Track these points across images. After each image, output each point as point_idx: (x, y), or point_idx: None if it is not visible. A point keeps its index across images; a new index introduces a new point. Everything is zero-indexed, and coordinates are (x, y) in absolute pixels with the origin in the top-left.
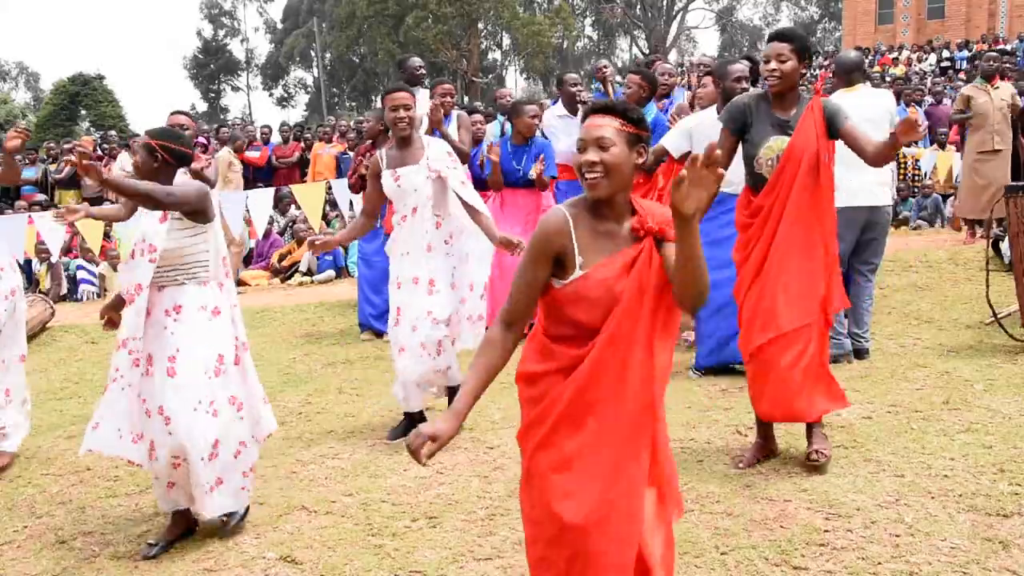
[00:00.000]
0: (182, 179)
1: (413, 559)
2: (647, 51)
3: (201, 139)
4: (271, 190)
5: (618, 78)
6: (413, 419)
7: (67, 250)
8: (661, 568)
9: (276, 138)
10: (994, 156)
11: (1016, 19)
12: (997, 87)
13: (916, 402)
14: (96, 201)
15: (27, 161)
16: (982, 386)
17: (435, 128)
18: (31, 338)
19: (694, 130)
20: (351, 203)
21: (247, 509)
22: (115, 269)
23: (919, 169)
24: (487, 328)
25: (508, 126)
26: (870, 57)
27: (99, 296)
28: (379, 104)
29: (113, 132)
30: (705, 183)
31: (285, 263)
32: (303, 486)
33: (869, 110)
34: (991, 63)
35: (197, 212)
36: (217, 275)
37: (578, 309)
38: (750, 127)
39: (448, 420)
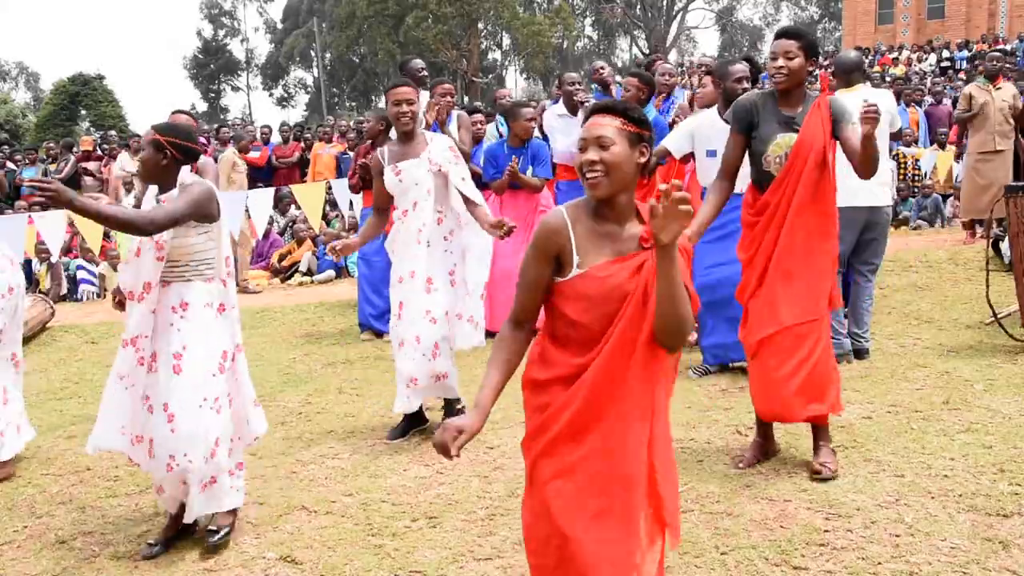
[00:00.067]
0: (190, 178)
1: (413, 559)
2: (647, 51)
3: (201, 139)
4: (271, 190)
5: (618, 78)
6: (412, 419)
7: (67, 250)
8: None
9: (276, 138)
10: (995, 156)
11: (1016, 19)
12: (999, 87)
13: (916, 402)
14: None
15: (27, 161)
16: (982, 386)
17: (439, 126)
18: (31, 338)
19: (696, 131)
20: (351, 203)
21: (232, 525)
22: (115, 269)
23: (919, 169)
24: (486, 331)
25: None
26: (870, 57)
27: (99, 296)
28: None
29: (113, 132)
30: (678, 215)
31: (285, 263)
32: (303, 486)
33: None
34: (994, 63)
35: (203, 214)
36: (221, 272)
37: (576, 308)
38: (757, 126)
39: (473, 414)
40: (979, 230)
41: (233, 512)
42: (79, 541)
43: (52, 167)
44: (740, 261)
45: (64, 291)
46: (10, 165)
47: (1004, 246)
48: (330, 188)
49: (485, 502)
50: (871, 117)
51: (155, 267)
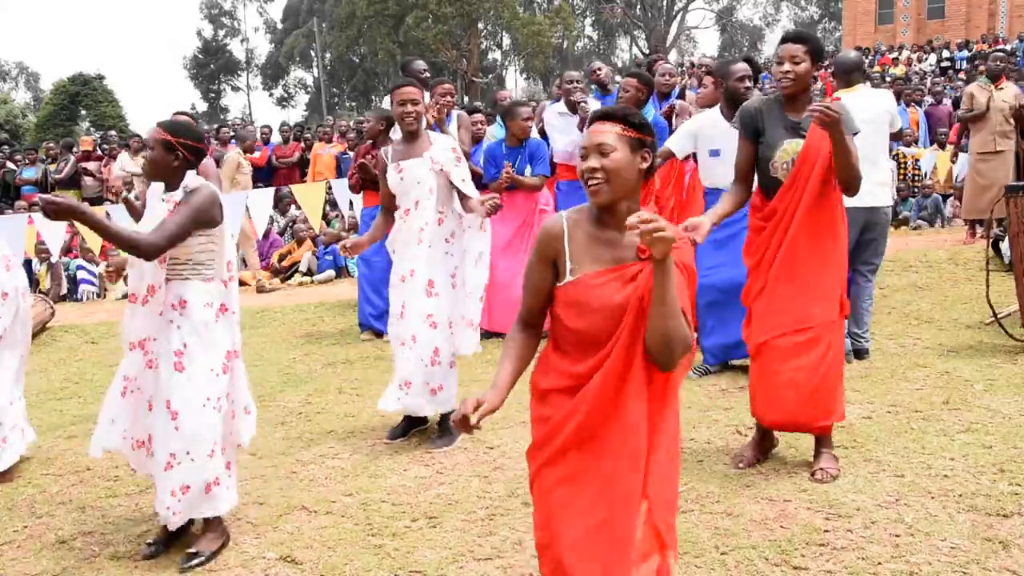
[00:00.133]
0: (194, 181)
1: (413, 559)
2: (647, 51)
3: None
4: (271, 190)
5: (617, 78)
6: (412, 419)
7: (67, 250)
8: None
9: (276, 138)
10: (995, 157)
11: (1016, 19)
12: (1002, 88)
13: (916, 402)
14: (96, 202)
15: (27, 161)
16: (982, 386)
17: (437, 127)
18: (31, 338)
19: (698, 131)
20: (351, 203)
21: (213, 553)
22: None
23: (919, 169)
24: (482, 331)
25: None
26: (870, 57)
27: (99, 296)
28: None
29: (113, 132)
30: (656, 241)
31: (285, 263)
32: (303, 486)
33: (868, 111)
34: (997, 63)
35: (205, 221)
36: (222, 274)
37: (570, 315)
38: (763, 132)
39: (491, 392)
40: (979, 230)
41: (219, 538)
42: (79, 541)
43: (52, 167)
44: (746, 265)
45: (64, 291)
46: (10, 165)
47: (1004, 246)
48: (330, 188)
49: (485, 502)
50: (818, 117)
51: (158, 270)
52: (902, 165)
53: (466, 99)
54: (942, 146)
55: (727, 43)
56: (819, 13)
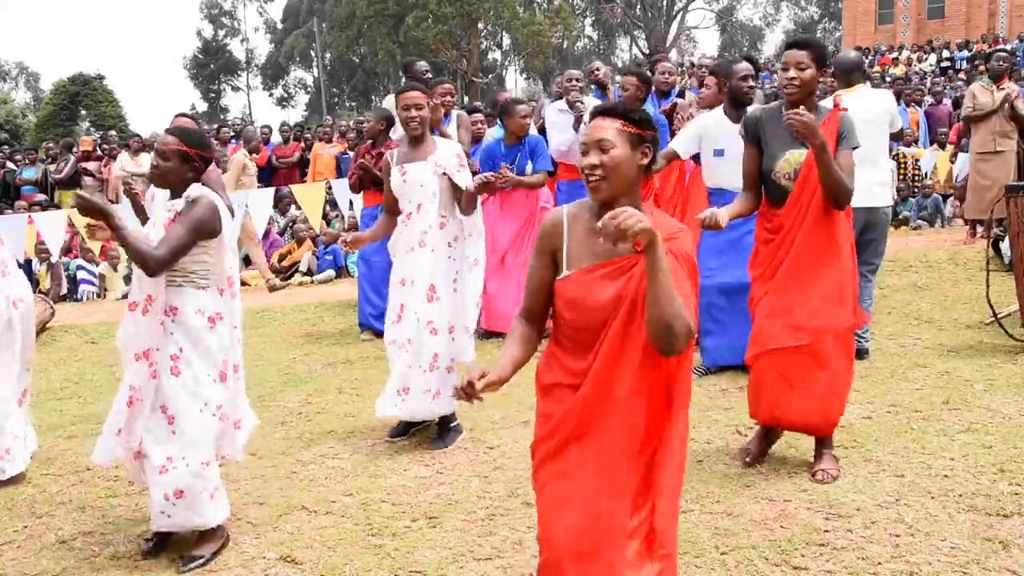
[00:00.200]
0: (196, 191)
1: (413, 559)
2: (647, 51)
3: None
4: (271, 190)
5: (617, 78)
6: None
7: (67, 250)
8: None
9: (276, 138)
10: (996, 156)
11: (1016, 19)
12: (1003, 88)
13: (916, 402)
14: None
15: (27, 161)
16: (982, 386)
17: (434, 127)
18: None
19: (702, 131)
20: (351, 203)
21: (211, 556)
22: (115, 269)
23: (919, 169)
24: (484, 331)
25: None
26: (870, 57)
27: (99, 296)
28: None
29: (113, 132)
30: (638, 233)
31: (285, 263)
32: (303, 486)
33: (867, 111)
34: (1001, 63)
35: (207, 232)
36: (220, 283)
37: (565, 308)
38: (764, 141)
39: (497, 368)
40: (979, 230)
41: (219, 539)
42: (79, 541)
43: (52, 167)
44: (751, 275)
45: (64, 291)
46: (10, 165)
47: (1004, 246)
48: (330, 188)
49: (485, 502)
50: (789, 124)
51: (156, 280)
52: (902, 165)
53: (466, 99)
54: (942, 146)
55: (727, 43)
56: (819, 13)
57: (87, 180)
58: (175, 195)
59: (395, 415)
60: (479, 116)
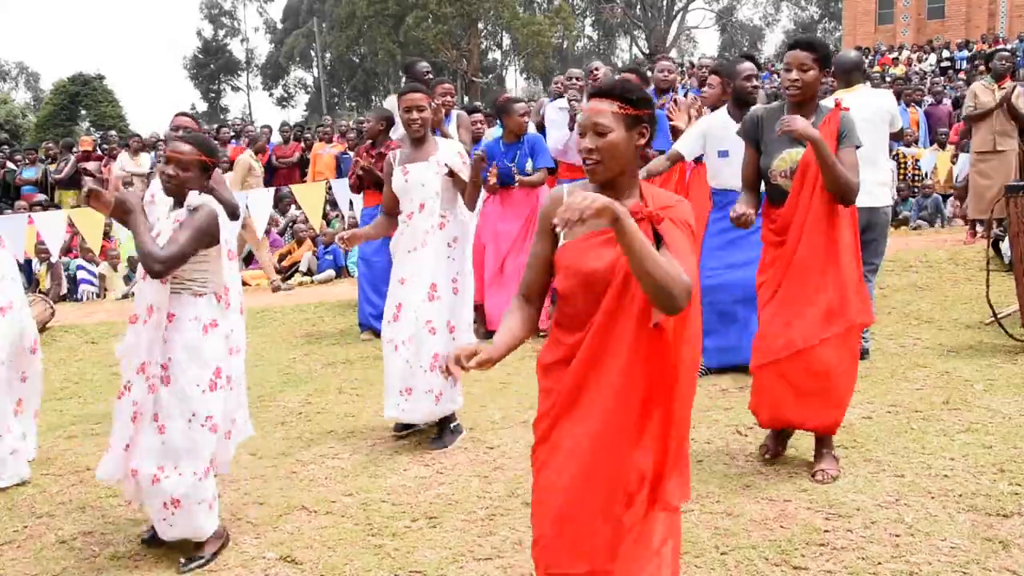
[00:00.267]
0: (196, 199)
1: (413, 559)
2: (647, 51)
3: None
4: (271, 190)
5: (616, 78)
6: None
7: (67, 250)
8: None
9: (276, 138)
10: (996, 156)
11: (1016, 19)
12: (1004, 87)
13: (916, 402)
14: None
15: (27, 161)
16: (982, 386)
17: (435, 128)
18: None
19: (707, 132)
20: (351, 203)
21: (212, 556)
22: (115, 269)
23: (919, 169)
24: (485, 333)
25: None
26: (870, 57)
27: (99, 296)
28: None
29: (113, 132)
30: (597, 214)
31: (285, 263)
32: (303, 486)
33: (867, 110)
34: (1003, 62)
35: (207, 241)
36: (217, 289)
37: (564, 277)
38: (762, 140)
39: (490, 347)
40: (979, 230)
41: (219, 540)
42: (79, 541)
43: (52, 167)
44: (758, 281)
45: (64, 291)
46: (10, 165)
47: (1004, 246)
48: (330, 188)
49: (485, 502)
50: (783, 132)
51: (160, 290)
52: (902, 165)
53: (466, 99)
54: (942, 146)
55: (727, 43)
56: (819, 13)
57: (87, 180)
58: (177, 205)
59: (401, 418)
60: (478, 116)
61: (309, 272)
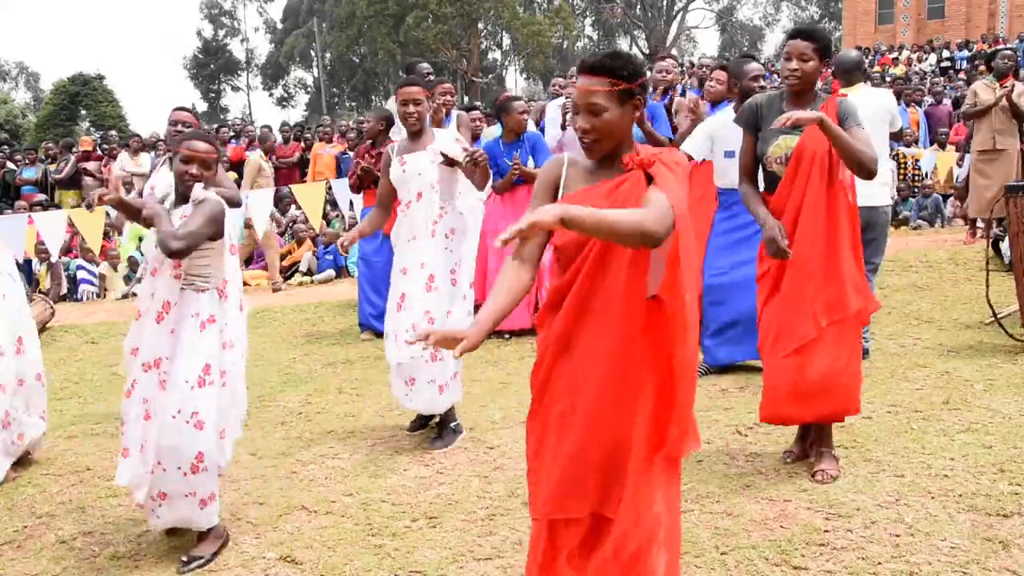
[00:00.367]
0: (201, 193)
1: (413, 559)
2: (647, 51)
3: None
4: (271, 190)
5: None
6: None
7: (67, 250)
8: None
9: (276, 138)
10: (996, 156)
11: (1016, 19)
12: (1006, 87)
13: (916, 402)
14: None
15: (27, 161)
16: (982, 386)
17: (437, 127)
18: None
19: (714, 132)
20: (351, 203)
21: (210, 557)
22: (115, 269)
23: (919, 169)
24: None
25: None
26: (870, 57)
27: (99, 296)
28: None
29: (113, 132)
30: (543, 226)
31: (285, 263)
32: (303, 486)
33: (867, 109)
34: (1006, 61)
35: (215, 231)
36: (217, 284)
37: (560, 236)
38: (762, 126)
39: (473, 330)
40: (979, 230)
41: (219, 539)
42: (79, 541)
43: (52, 167)
44: (758, 272)
45: (64, 291)
46: (10, 165)
47: (1004, 246)
48: (330, 188)
49: (485, 502)
50: (797, 118)
51: (173, 285)
52: (902, 165)
53: (466, 99)
54: (942, 146)
55: (727, 43)
56: (819, 13)
57: (87, 180)
58: (183, 202)
59: (408, 406)
60: (477, 113)
61: (309, 272)
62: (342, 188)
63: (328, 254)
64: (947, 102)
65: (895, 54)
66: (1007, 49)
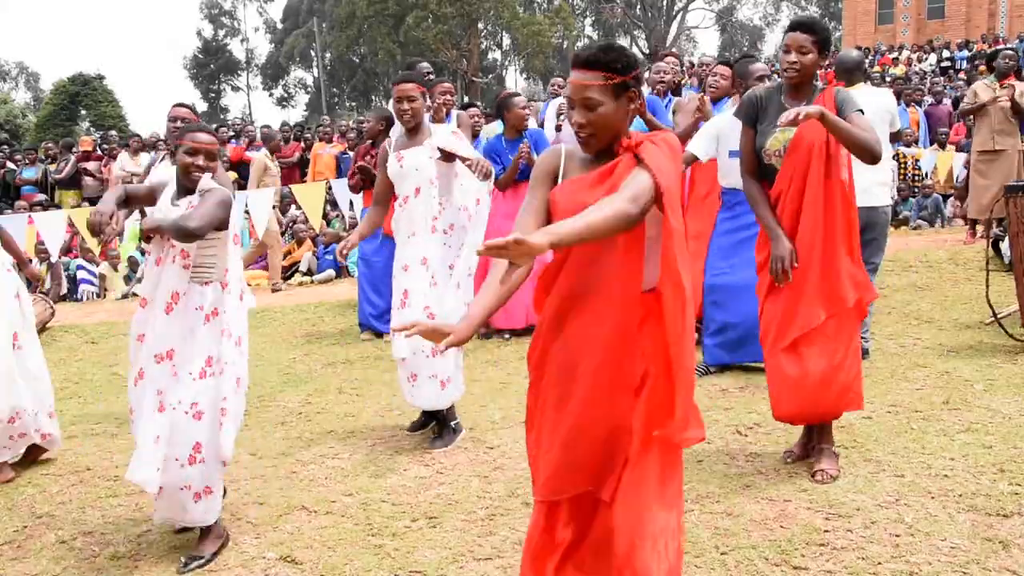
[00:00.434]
0: (208, 183)
1: (413, 559)
2: (647, 51)
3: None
4: (271, 190)
5: None
6: (432, 413)
7: (67, 250)
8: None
9: (281, 137)
10: (996, 156)
11: (1016, 19)
12: (1007, 87)
13: (916, 402)
14: (96, 202)
15: (27, 161)
16: (982, 386)
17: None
18: None
19: (720, 133)
20: (351, 203)
21: (211, 556)
22: (115, 269)
23: (919, 169)
24: (495, 328)
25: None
26: (870, 57)
27: (99, 296)
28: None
29: (113, 132)
30: (520, 257)
31: (285, 263)
32: (303, 486)
33: (868, 108)
34: (1007, 61)
35: (223, 218)
36: (220, 277)
37: (557, 217)
38: (761, 119)
39: (461, 323)
40: (979, 230)
41: (219, 539)
42: (79, 541)
43: (52, 167)
44: (757, 260)
45: (64, 291)
46: (10, 165)
47: (1004, 246)
48: (330, 188)
49: (485, 502)
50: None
51: (182, 275)
52: (902, 165)
53: (466, 99)
54: (942, 146)
55: (727, 43)
56: (819, 13)
57: (87, 180)
58: (186, 194)
59: (412, 403)
60: (475, 111)
61: (309, 272)
62: (342, 188)
63: (328, 254)
64: (947, 102)
65: (895, 54)
66: (1008, 49)
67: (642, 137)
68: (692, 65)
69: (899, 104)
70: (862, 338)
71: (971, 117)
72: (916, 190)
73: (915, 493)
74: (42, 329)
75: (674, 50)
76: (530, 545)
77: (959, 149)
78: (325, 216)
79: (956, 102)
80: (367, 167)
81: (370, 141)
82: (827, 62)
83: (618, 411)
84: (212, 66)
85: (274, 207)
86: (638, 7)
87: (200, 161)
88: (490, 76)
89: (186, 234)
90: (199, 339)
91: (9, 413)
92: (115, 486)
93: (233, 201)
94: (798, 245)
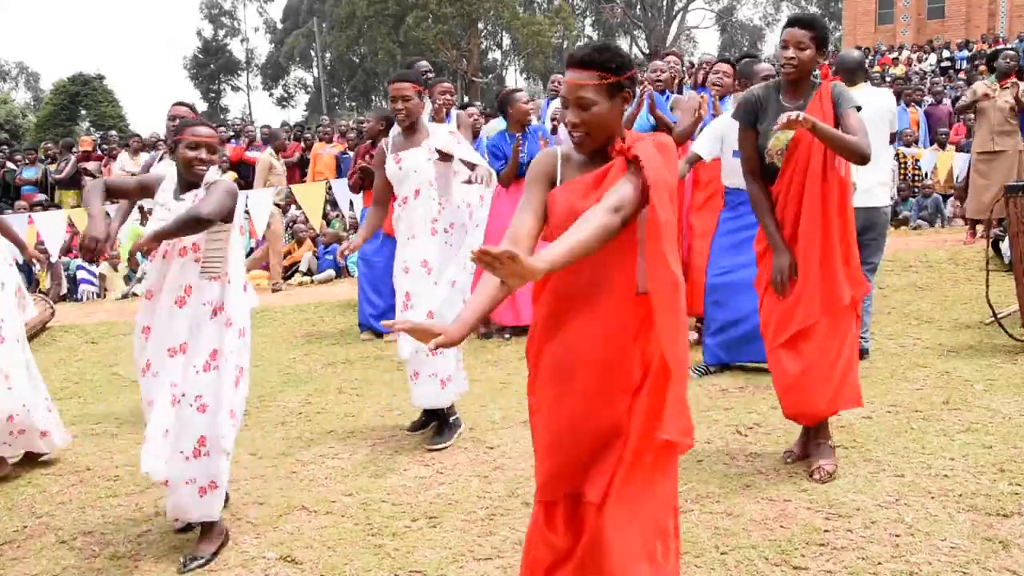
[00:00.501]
0: (215, 176)
1: (413, 559)
2: (647, 51)
3: None
4: (271, 190)
5: None
6: (432, 413)
7: (67, 250)
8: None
9: (284, 136)
10: (995, 156)
11: (1016, 19)
12: (1007, 87)
13: (916, 402)
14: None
15: (27, 161)
16: (982, 386)
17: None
18: (31, 338)
19: (725, 133)
20: (351, 203)
21: (211, 556)
22: (115, 269)
23: (919, 169)
24: (496, 326)
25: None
26: (870, 57)
27: (99, 296)
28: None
29: (113, 132)
30: (511, 277)
31: (285, 263)
32: (303, 486)
33: (868, 109)
34: (1008, 60)
35: (229, 210)
36: (223, 272)
37: (554, 218)
38: (762, 119)
39: (454, 326)
40: (979, 230)
41: (219, 539)
42: (79, 541)
43: (52, 167)
44: (756, 252)
45: (64, 291)
46: (10, 165)
47: (1004, 246)
48: (330, 188)
49: (485, 502)
50: (790, 123)
51: (193, 269)
52: (902, 165)
53: (466, 99)
54: (942, 146)
55: (727, 43)
56: (819, 13)
57: (87, 180)
58: (190, 188)
59: (415, 403)
60: (474, 109)
61: (309, 272)
62: (342, 188)
63: (328, 254)
64: (947, 102)
65: (895, 54)
66: (1009, 49)
67: (634, 140)
68: (692, 65)
69: (899, 104)
70: (861, 338)
71: (972, 117)
72: (916, 190)
73: (915, 493)
74: (42, 329)
75: (675, 49)
76: (529, 545)
77: (959, 149)
78: (325, 216)
79: (956, 102)
80: (369, 168)
81: (370, 141)
82: (825, 59)
83: (614, 412)
84: (212, 66)
85: (279, 206)
86: (638, 7)
87: (203, 154)
88: (490, 76)
89: (198, 221)
90: (205, 333)
91: (8, 412)
92: (115, 486)
93: (237, 193)
94: (799, 242)
